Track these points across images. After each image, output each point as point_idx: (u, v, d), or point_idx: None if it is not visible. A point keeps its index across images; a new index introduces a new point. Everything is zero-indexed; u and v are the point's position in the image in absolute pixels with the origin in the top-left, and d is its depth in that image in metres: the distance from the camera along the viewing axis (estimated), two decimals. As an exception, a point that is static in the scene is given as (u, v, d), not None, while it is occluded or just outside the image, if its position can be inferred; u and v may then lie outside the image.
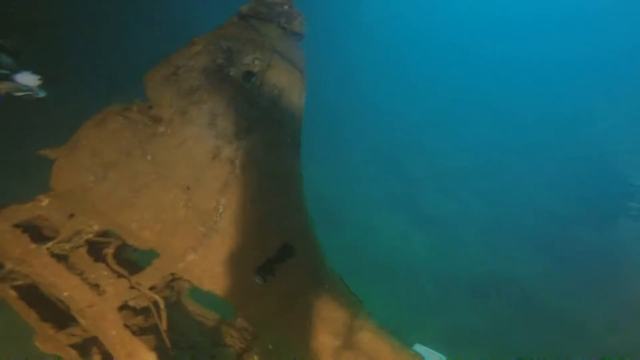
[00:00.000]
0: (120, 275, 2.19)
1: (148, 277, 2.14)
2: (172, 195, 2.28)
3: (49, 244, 2.49)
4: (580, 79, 15.28)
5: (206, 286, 2.16)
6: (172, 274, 2.17)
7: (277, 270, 2.03)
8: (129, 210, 2.34)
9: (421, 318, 6.12)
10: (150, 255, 2.32)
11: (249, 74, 2.49)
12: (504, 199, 10.09)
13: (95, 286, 2.16)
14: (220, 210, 2.20)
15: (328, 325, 1.83)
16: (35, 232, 2.59)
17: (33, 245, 2.49)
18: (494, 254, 8.21)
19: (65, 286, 2.14)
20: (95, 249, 2.53)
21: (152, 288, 2.14)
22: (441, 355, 3.93)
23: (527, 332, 6.48)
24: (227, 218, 2.19)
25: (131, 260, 2.47)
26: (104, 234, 2.47)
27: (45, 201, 2.54)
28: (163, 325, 2.07)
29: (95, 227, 2.47)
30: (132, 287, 2.13)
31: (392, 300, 6.15)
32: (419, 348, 3.78)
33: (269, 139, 2.28)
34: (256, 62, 2.45)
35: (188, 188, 2.27)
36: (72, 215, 2.54)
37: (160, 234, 2.27)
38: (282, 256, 2.06)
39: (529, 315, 6.85)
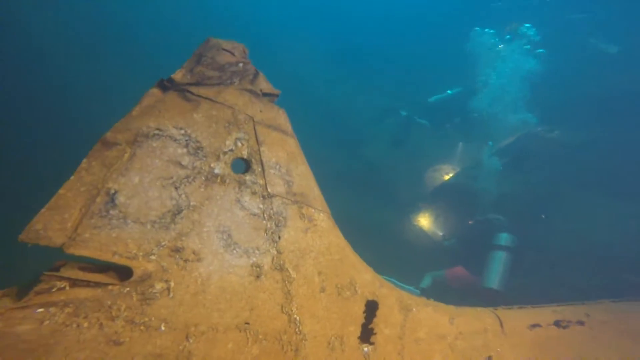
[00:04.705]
0: None
1: None
2: (230, 343, 1.85)
3: None
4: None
5: None
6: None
7: (375, 326, 2.23)
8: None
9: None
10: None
11: (245, 163, 1.97)
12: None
13: None
14: (297, 318, 2.02)
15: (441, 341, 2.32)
16: None
17: None
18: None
19: None
20: None
21: None
22: (413, 289, 5.07)
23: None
24: (307, 320, 2.05)
25: None
26: None
27: None
28: None
29: None
30: None
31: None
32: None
33: (304, 223, 2.08)
34: (239, 143, 1.93)
35: (247, 323, 1.89)
36: None
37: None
38: (372, 313, 2.25)
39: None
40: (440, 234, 8.92)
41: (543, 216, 7.15)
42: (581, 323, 3.16)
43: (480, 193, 8.53)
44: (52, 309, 1.51)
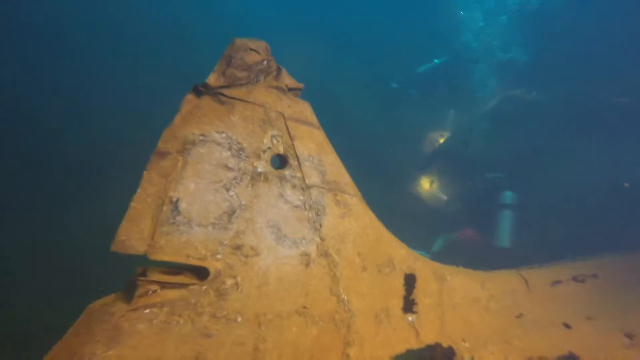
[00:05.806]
0: None
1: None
2: (294, 327, 2.01)
3: None
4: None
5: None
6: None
7: (416, 297, 2.42)
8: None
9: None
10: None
11: (280, 159, 2.05)
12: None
13: None
14: (344, 297, 2.18)
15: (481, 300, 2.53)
16: None
17: None
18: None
19: None
20: None
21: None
22: (424, 253, 5.27)
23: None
24: (354, 298, 2.22)
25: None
26: None
27: None
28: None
29: None
30: None
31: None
32: None
33: (340, 209, 2.20)
34: (275, 140, 2.01)
35: (305, 308, 2.04)
36: None
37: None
38: (411, 286, 2.43)
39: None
40: (445, 198, 9.15)
41: (626, 184, 6.85)
42: (595, 276, 3.43)
43: (471, 156, 8.74)
44: (155, 310, 1.65)
